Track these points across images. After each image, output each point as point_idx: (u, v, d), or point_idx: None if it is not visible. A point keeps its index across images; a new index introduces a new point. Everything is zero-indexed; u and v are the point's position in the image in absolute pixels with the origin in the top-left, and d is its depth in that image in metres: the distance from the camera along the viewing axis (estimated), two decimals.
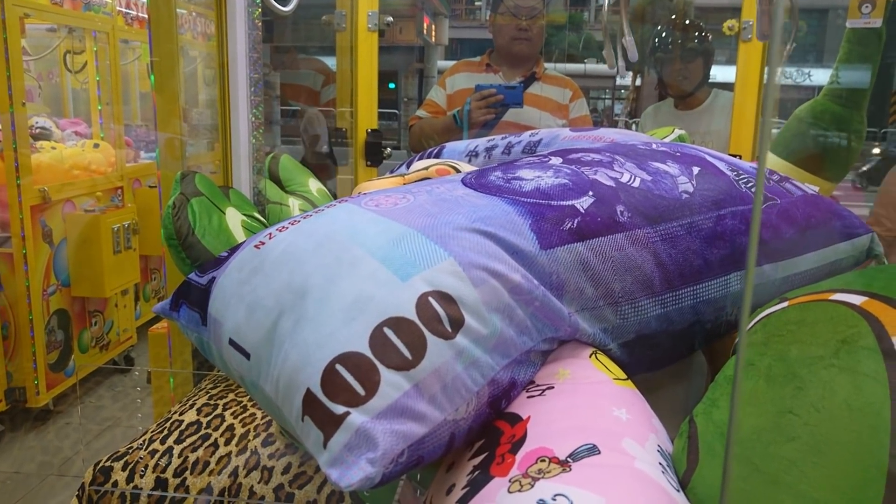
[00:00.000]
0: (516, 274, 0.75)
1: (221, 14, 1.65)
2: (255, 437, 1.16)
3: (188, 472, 1.12)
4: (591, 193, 0.85)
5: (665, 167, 0.94)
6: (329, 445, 0.63)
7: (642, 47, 2.76)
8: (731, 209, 0.92)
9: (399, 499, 0.92)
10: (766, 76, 2.20)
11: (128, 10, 4.45)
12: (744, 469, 0.61)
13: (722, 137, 2.36)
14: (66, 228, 3.45)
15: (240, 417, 1.22)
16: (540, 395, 0.74)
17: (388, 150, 2.42)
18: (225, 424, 1.20)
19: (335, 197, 1.91)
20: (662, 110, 2.66)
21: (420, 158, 1.41)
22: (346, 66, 2.49)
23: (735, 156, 1.31)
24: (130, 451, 1.17)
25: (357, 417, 0.63)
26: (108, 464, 1.15)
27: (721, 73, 2.80)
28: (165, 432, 1.21)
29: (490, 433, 0.72)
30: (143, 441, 1.19)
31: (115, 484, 1.12)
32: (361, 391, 0.64)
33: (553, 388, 0.75)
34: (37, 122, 3.81)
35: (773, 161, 1.96)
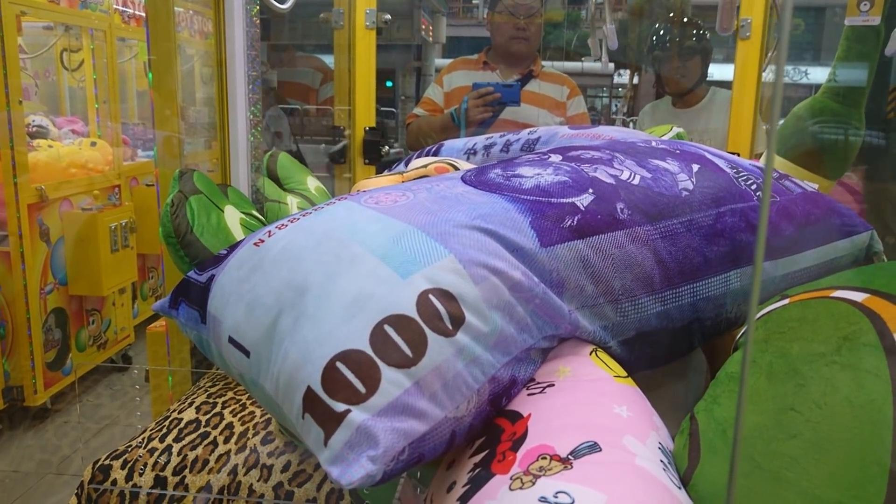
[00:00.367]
0: (517, 271, 0.75)
1: (219, 12, 1.65)
2: (254, 435, 1.16)
3: (187, 471, 1.12)
4: (591, 191, 0.85)
5: (665, 165, 0.94)
6: (330, 443, 0.63)
7: (640, 45, 2.76)
8: (730, 206, 0.92)
9: (400, 497, 0.91)
10: (764, 75, 2.20)
11: (124, 8, 4.44)
12: (745, 466, 0.61)
13: (720, 135, 2.37)
14: (64, 227, 3.44)
15: (239, 416, 1.21)
16: (540, 392, 0.74)
17: (387, 148, 2.42)
18: (224, 423, 1.20)
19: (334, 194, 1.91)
20: (660, 108, 2.66)
21: (418, 156, 1.40)
22: (344, 65, 2.48)
23: (733, 153, 1.31)
24: (129, 449, 1.17)
25: (358, 415, 0.63)
26: (107, 462, 1.15)
27: (718, 70, 2.80)
28: (164, 431, 1.20)
29: (491, 431, 0.72)
30: (142, 439, 1.19)
31: (115, 482, 1.12)
32: (362, 389, 0.64)
33: (553, 385, 0.75)
34: (33, 121, 3.80)
35: (766, 160, 1.96)
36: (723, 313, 0.93)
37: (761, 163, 1.34)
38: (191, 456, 1.14)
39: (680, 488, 0.64)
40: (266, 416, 1.20)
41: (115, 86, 4.09)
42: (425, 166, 1.18)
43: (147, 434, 1.20)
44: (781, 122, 2.07)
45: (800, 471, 0.58)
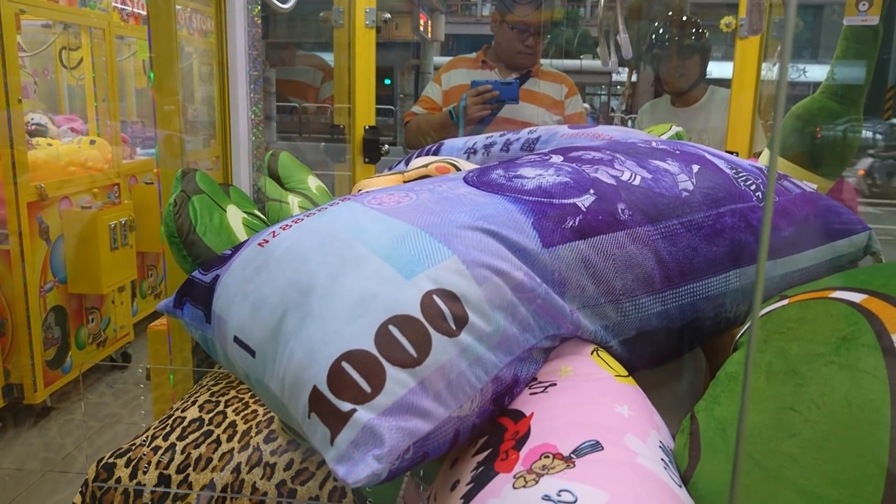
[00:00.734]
0: (519, 272, 0.76)
1: (221, 11, 1.65)
2: (257, 433, 1.17)
3: (191, 469, 1.12)
4: (592, 192, 0.86)
5: (665, 165, 0.95)
6: (336, 442, 0.64)
7: (639, 44, 2.77)
8: (730, 207, 0.93)
9: (403, 495, 0.92)
10: (762, 73, 2.20)
11: (123, 7, 4.44)
12: (745, 464, 0.62)
13: (718, 134, 2.37)
14: (63, 225, 3.44)
15: (242, 414, 1.22)
16: (542, 391, 0.75)
17: (386, 146, 2.42)
18: (227, 421, 1.21)
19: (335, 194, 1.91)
20: (659, 107, 2.67)
21: (419, 155, 1.41)
22: (344, 63, 2.49)
23: (732, 153, 1.32)
24: (133, 447, 1.18)
25: (363, 414, 0.64)
26: (111, 460, 1.16)
27: (717, 69, 2.81)
28: (168, 429, 1.21)
29: (494, 430, 0.73)
30: (146, 438, 1.19)
31: (119, 480, 1.12)
32: (367, 388, 0.65)
33: (555, 384, 0.76)
34: (32, 119, 3.80)
35: (770, 158, 1.96)
36: (722, 313, 0.94)
37: (760, 161, 1.35)
38: (194, 454, 1.14)
39: (681, 487, 0.65)
40: (269, 415, 1.21)
41: (113, 84, 4.09)
42: (426, 166, 1.19)
43: (150, 432, 1.21)
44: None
45: (798, 469, 0.59)
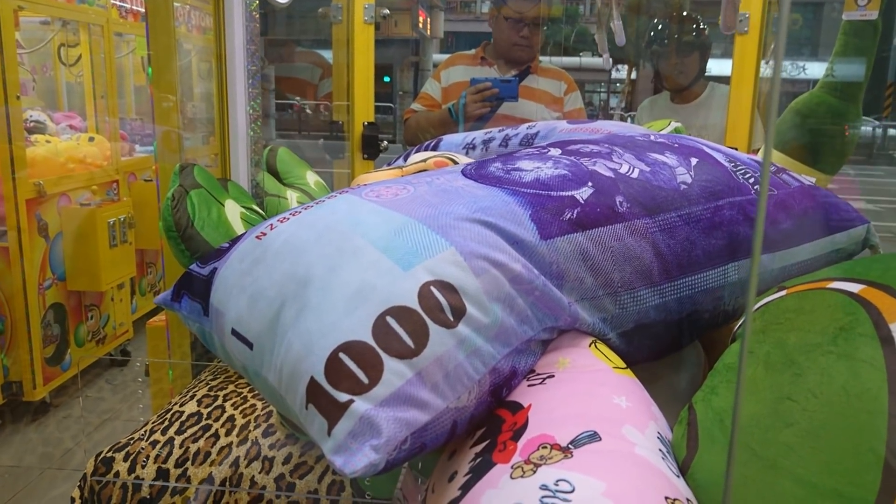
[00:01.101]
0: (517, 264, 0.76)
1: (219, 6, 1.65)
2: (255, 427, 1.17)
3: (189, 463, 1.12)
4: (590, 184, 0.86)
5: (663, 158, 0.95)
6: (333, 433, 0.64)
7: (638, 41, 2.76)
8: (728, 200, 0.93)
9: (401, 487, 0.92)
10: (762, 71, 2.20)
11: (122, 3, 4.43)
12: (743, 454, 0.62)
13: (718, 131, 2.37)
14: (62, 222, 3.44)
15: (240, 408, 1.22)
16: (540, 383, 0.75)
17: (385, 142, 2.42)
18: (225, 415, 1.21)
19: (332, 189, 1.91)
20: (659, 103, 2.67)
21: (417, 151, 1.41)
22: (343, 60, 2.48)
23: (731, 148, 1.31)
24: (132, 442, 1.18)
25: (361, 405, 0.64)
26: (109, 455, 1.16)
27: (716, 66, 2.81)
28: (166, 423, 1.21)
29: (491, 421, 0.73)
30: (144, 432, 1.19)
31: (117, 475, 1.12)
32: (365, 379, 0.65)
33: (553, 376, 0.76)
34: (31, 116, 3.79)
35: (764, 152, 1.96)
36: (721, 306, 0.94)
37: (760, 157, 1.35)
38: (193, 448, 1.14)
39: (678, 477, 0.65)
40: (267, 409, 1.21)
41: (112, 81, 4.09)
42: (424, 161, 1.19)
43: (149, 427, 1.21)
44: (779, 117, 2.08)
45: (796, 459, 0.59)
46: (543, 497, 0.56)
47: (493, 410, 0.74)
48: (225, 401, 1.25)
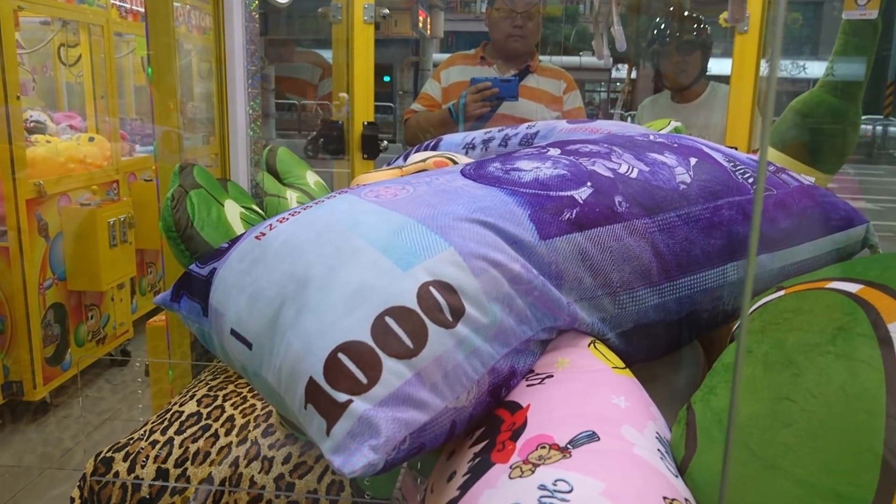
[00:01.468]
0: (516, 264, 0.76)
1: (219, 6, 1.65)
2: (255, 427, 1.17)
3: (189, 463, 1.13)
4: (589, 184, 0.86)
5: (662, 158, 0.95)
6: (332, 433, 0.64)
7: (639, 40, 2.76)
8: (728, 200, 0.93)
9: (401, 487, 0.92)
10: (762, 69, 2.20)
11: (122, 3, 4.43)
12: (741, 454, 0.62)
13: (719, 130, 2.37)
14: (62, 222, 3.44)
15: (240, 408, 1.22)
16: (539, 383, 0.75)
17: (385, 142, 2.42)
18: (225, 415, 1.21)
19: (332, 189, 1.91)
20: (660, 102, 2.66)
21: (417, 151, 1.41)
22: (342, 60, 2.48)
23: (731, 147, 1.31)
24: (131, 442, 1.18)
25: (360, 405, 0.64)
26: (109, 455, 1.16)
27: (716, 65, 2.80)
28: (166, 423, 1.21)
29: (490, 421, 0.73)
30: (144, 432, 1.19)
31: (117, 474, 1.13)
32: (364, 379, 0.65)
33: (552, 376, 0.76)
34: (31, 116, 3.79)
35: (769, 152, 1.97)
36: (720, 306, 0.94)
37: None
38: (192, 448, 1.14)
39: (677, 476, 0.65)
40: (267, 409, 1.21)
41: (112, 81, 4.09)
42: (424, 161, 1.19)
43: (148, 427, 1.21)
44: (779, 117, 2.08)
45: (794, 459, 0.59)
46: (542, 497, 0.56)
47: (492, 410, 0.74)
48: (224, 401, 1.25)
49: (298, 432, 1.04)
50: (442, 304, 0.69)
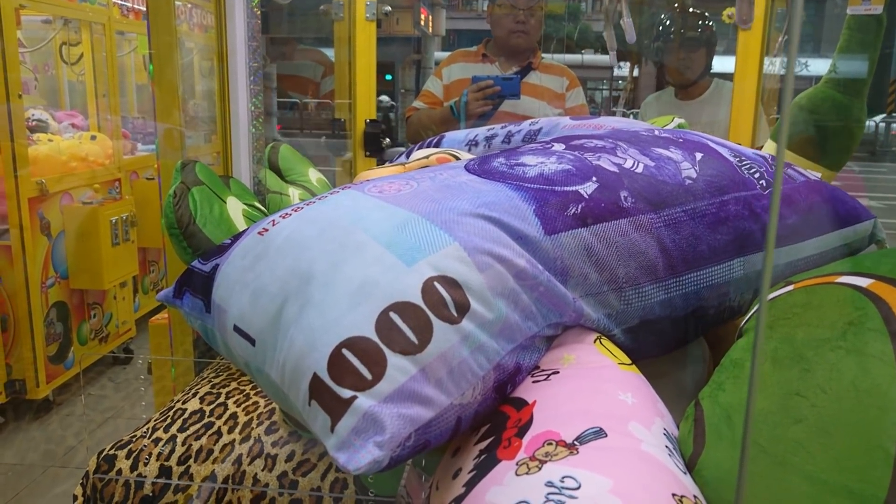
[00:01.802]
0: (521, 259, 0.75)
1: (220, 4, 1.64)
2: (258, 425, 1.16)
3: (192, 460, 1.12)
4: (594, 179, 0.85)
5: (668, 153, 0.94)
6: (337, 429, 0.63)
7: (642, 37, 2.75)
8: (734, 195, 0.92)
9: (405, 485, 0.92)
10: (765, 67, 2.19)
11: (123, 2, 4.43)
12: (751, 451, 0.61)
13: (723, 127, 2.36)
14: (65, 221, 3.44)
15: (243, 406, 1.22)
16: (545, 379, 0.74)
17: (387, 139, 2.41)
18: (228, 413, 1.20)
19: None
20: (663, 99, 2.65)
21: (420, 148, 1.40)
22: (344, 58, 2.48)
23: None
24: (134, 439, 1.18)
25: (364, 401, 0.63)
26: (112, 452, 1.15)
27: (719, 62, 2.79)
28: (168, 421, 1.21)
29: (496, 418, 0.72)
30: (147, 430, 1.19)
31: (119, 472, 1.12)
32: (368, 375, 0.64)
33: (558, 373, 0.75)
34: (33, 115, 3.79)
35: (773, 148, 1.96)
36: (726, 302, 0.93)
37: (764, 153, 1.33)
38: (195, 446, 1.14)
39: (685, 473, 0.64)
40: (270, 406, 1.20)
41: (114, 79, 4.08)
42: (427, 157, 1.18)
43: (151, 424, 1.21)
44: (780, 116, 2.06)
45: (805, 455, 0.58)
46: (549, 494, 0.56)
47: (498, 407, 0.74)
48: (227, 398, 1.25)
49: (302, 429, 1.04)
50: (447, 299, 0.69)
